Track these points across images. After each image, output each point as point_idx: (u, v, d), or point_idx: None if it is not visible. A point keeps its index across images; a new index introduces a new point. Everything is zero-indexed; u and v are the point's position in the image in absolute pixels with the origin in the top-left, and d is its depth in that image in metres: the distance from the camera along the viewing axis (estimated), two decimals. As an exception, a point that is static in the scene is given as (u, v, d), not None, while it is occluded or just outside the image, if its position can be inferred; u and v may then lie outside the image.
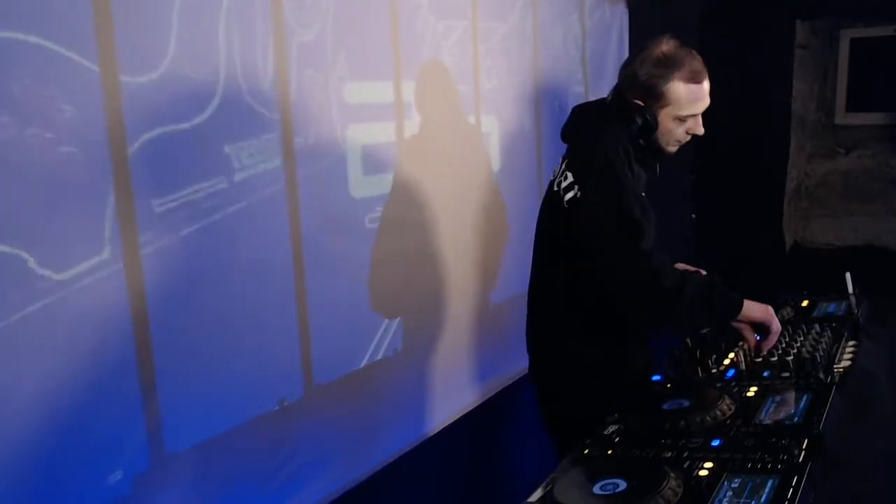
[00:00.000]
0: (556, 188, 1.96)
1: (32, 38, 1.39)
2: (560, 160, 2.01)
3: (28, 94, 1.39)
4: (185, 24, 1.67)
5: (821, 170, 4.69)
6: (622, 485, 1.30)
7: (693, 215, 4.49)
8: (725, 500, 1.23)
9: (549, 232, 2.03)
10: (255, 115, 1.87)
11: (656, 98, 1.89)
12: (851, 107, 4.55)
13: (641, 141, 1.92)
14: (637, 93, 1.91)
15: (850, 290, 2.12)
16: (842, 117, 4.59)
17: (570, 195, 1.88)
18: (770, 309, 1.85)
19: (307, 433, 2.07)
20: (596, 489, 1.31)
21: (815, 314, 2.19)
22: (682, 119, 1.91)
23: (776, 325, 1.81)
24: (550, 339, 2.05)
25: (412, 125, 2.44)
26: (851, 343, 1.91)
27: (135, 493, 1.62)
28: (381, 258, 2.32)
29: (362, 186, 2.23)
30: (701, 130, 1.95)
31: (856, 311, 2.08)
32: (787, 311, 2.20)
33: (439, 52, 2.54)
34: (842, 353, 1.84)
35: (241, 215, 1.84)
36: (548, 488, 1.37)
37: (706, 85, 1.91)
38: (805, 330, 1.99)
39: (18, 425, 1.42)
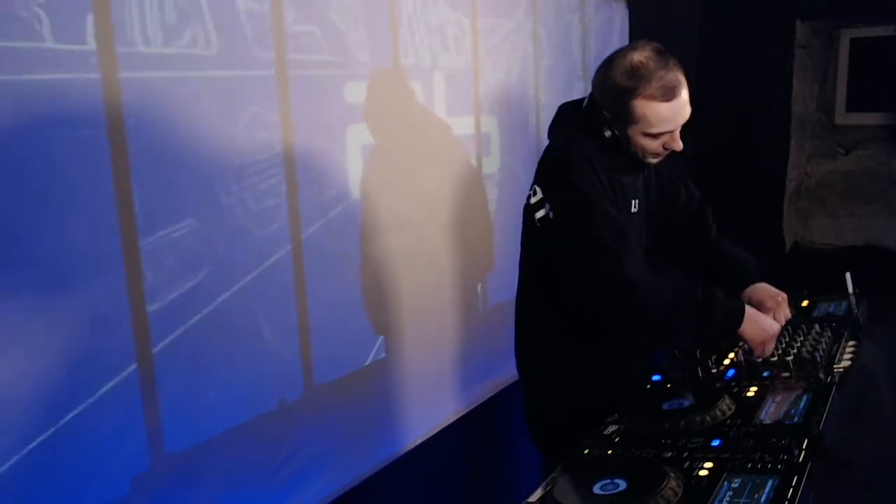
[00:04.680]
0: (528, 202, 1.87)
1: (34, 41, 1.40)
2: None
3: (29, 95, 1.39)
4: (188, 25, 1.67)
5: (821, 170, 4.69)
6: (622, 485, 1.30)
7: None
8: (725, 500, 1.23)
9: (527, 243, 1.97)
10: (256, 115, 1.87)
11: (623, 113, 1.75)
12: (851, 107, 4.54)
13: (615, 151, 1.81)
14: (605, 103, 1.79)
15: (850, 290, 2.12)
16: (842, 117, 4.58)
17: (540, 213, 1.80)
18: (766, 333, 1.77)
19: (307, 433, 2.07)
20: (596, 489, 1.30)
21: (815, 314, 2.19)
22: (653, 136, 1.77)
23: (759, 351, 1.77)
24: (536, 346, 2.02)
25: (412, 125, 2.44)
26: (851, 343, 1.91)
27: (135, 493, 1.62)
28: (380, 258, 2.32)
29: (362, 186, 2.23)
30: (678, 146, 1.80)
31: (856, 311, 2.08)
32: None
33: (439, 51, 2.54)
34: (842, 353, 1.84)
35: (241, 215, 1.84)
36: (548, 488, 1.37)
37: (679, 100, 1.74)
38: (805, 330, 1.98)
39: (19, 424, 1.42)
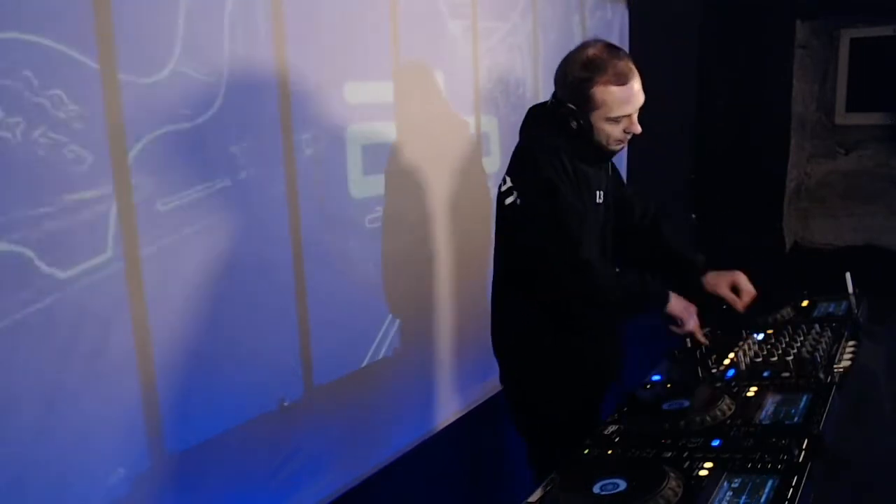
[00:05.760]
0: (499, 190, 1.99)
1: (34, 38, 1.40)
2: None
3: (31, 94, 1.39)
4: (188, 25, 1.68)
5: (821, 170, 4.69)
6: (622, 485, 1.30)
7: (693, 215, 4.48)
8: (725, 500, 1.23)
9: (499, 231, 2.05)
10: (256, 115, 1.87)
11: (585, 102, 1.89)
12: (851, 107, 4.54)
13: (581, 142, 1.93)
14: (568, 97, 1.92)
15: (850, 290, 2.12)
16: (842, 117, 4.58)
17: (509, 200, 1.93)
18: (689, 309, 1.97)
19: (307, 433, 2.07)
20: (596, 489, 1.30)
21: (815, 314, 2.19)
22: (614, 120, 1.90)
23: (689, 326, 1.96)
24: (511, 331, 2.08)
25: (411, 125, 2.44)
26: (851, 343, 1.91)
27: (135, 493, 1.62)
28: (380, 258, 2.32)
29: (362, 186, 2.24)
30: (637, 129, 1.94)
31: (856, 311, 2.08)
32: (787, 311, 2.20)
33: (439, 51, 2.54)
34: (842, 353, 1.84)
35: (241, 215, 1.84)
36: (548, 488, 1.37)
37: (634, 85, 1.89)
38: (805, 330, 1.99)
39: (19, 424, 1.42)
